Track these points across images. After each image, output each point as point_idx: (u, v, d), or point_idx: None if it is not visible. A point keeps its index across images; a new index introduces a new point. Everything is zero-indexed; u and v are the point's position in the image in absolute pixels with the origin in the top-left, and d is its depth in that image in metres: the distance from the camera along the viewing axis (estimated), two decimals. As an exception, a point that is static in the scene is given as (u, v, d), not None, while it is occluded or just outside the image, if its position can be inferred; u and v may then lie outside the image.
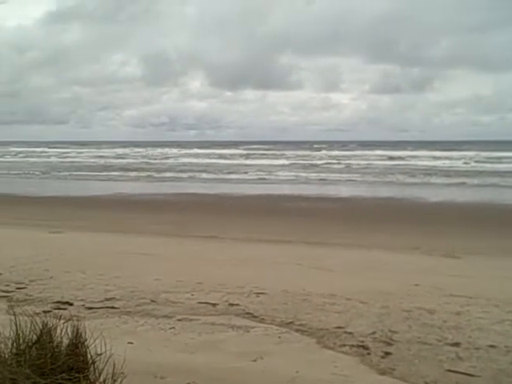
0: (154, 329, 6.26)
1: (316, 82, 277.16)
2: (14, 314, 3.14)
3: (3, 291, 7.86)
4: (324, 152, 68.84)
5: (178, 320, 6.55)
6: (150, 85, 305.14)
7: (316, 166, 47.27)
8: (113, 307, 7.08)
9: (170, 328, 6.26)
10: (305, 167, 45.08)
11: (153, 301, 7.37)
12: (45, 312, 6.11)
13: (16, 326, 3.13)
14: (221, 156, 63.00)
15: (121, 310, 6.95)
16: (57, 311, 6.40)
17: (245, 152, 70.66)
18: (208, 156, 62.54)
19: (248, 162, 53.44)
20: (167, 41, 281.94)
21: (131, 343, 5.49)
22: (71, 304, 7.12)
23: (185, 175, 37.52)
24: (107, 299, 7.45)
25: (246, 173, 39.21)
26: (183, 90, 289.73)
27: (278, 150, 74.90)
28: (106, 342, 3.51)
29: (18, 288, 8.04)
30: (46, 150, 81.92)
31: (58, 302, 7.21)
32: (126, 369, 3.25)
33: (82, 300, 7.34)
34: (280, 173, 38.52)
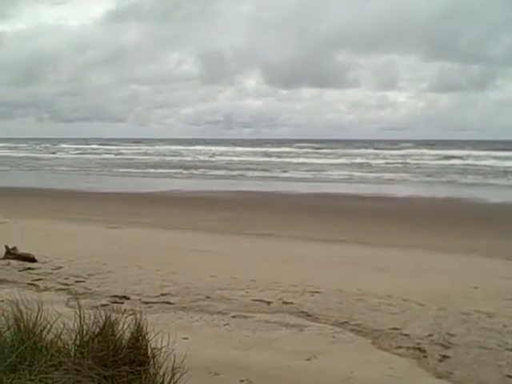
0: (209, 325, 6.32)
1: (372, 80, 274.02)
2: (79, 307, 3.22)
3: (63, 284, 8.09)
4: (379, 151, 67.82)
5: (233, 317, 6.59)
6: (206, 83, 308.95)
7: (371, 165, 46.68)
8: (168, 302, 7.18)
9: (225, 324, 6.31)
10: (360, 166, 44.55)
11: (208, 297, 7.44)
12: (102, 305, 6.26)
13: (80, 318, 3.21)
14: (275, 154, 62.97)
15: (176, 306, 7.04)
16: (114, 305, 6.51)
17: (299, 150, 70.35)
18: (263, 154, 62.63)
19: (302, 160, 53.18)
20: (223, 39, 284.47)
21: (186, 338, 5.53)
22: (128, 298, 7.24)
23: (239, 173, 37.69)
24: (163, 294, 7.56)
25: (300, 171, 39.06)
26: (239, 88, 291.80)
27: (333, 148, 74.23)
28: (162, 337, 3.57)
29: (77, 281, 8.27)
30: (105, 147, 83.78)
31: (115, 296, 7.36)
32: (183, 364, 3.29)
33: (138, 294, 7.47)
34: (334, 171, 38.19)
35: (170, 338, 3.42)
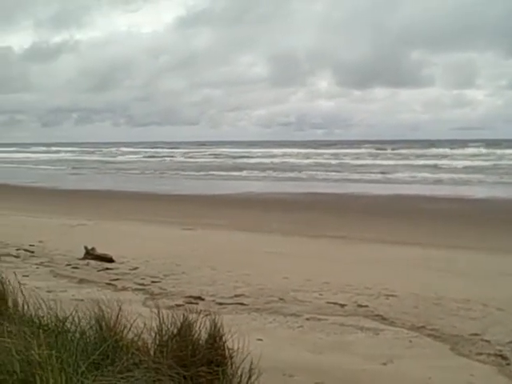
0: (283, 327, 6.32)
1: (448, 78, 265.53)
2: (158, 307, 3.29)
3: (139, 284, 8.30)
4: (455, 150, 65.92)
5: (307, 319, 6.56)
6: (278, 85, 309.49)
7: (445, 165, 45.36)
8: (242, 304, 7.23)
9: (299, 327, 6.29)
10: (435, 166, 43.39)
11: (281, 299, 7.44)
12: (177, 306, 6.38)
13: (159, 318, 3.28)
14: (347, 155, 62.30)
15: (250, 307, 7.07)
16: (189, 305, 6.61)
17: (373, 151, 69.37)
18: (334, 155, 62.05)
19: (374, 161, 52.42)
20: (295, 40, 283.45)
21: (260, 340, 5.55)
22: (202, 299, 7.34)
23: (310, 174, 37.54)
24: (236, 296, 7.62)
25: (373, 172, 38.47)
26: (311, 89, 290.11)
27: (408, 148, 72.65)
28: (237, 338, 3.59)
29: (153, 282, 8.46)
30: (177, 150, 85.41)
31: (189, 297, 7.48)
32: (258, 365, 3.30)
33: (212, 295, 7.56)
34: (408, 172, 37.39)
35: (245, 339, 3.44)
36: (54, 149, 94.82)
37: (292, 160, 56.76)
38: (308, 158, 60.27)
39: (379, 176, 35.84)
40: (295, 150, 74.89)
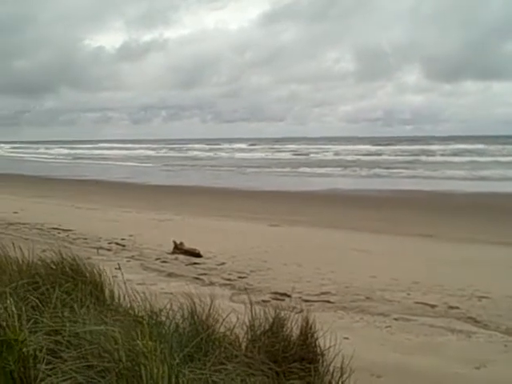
0: (370, 326, 6.24)
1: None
2: (250, 303, 3.32)
3: (226, 279, 8.43)
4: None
5: (395, 319, 6.45)
6: (365, 80, 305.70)
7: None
8: (328, 301, 7.20)
9: (386, 327, 6.19)
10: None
11: (368, 298, 7.35)
12: (264, 301, 6.42)
13: (251, 313, 3.32)
14: (437, 152, 60.39)
15: (336, 305, 7.04)
16: (275, 301, 6.64)
17: (463, 147, 66.82)
18: (423, 152, 60.24)
19: (463, 158, 50.49)
20: (382, 34, 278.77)
21: (347, 339, 5.49)
22: (288, 295, 7.34)
23: (397, 171, 36.72)
24: (323, 293, 7.59)
25: (463, 169, 36.98)
26: (398, 83, 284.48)
27: (503, 144, 69.38)
28: (324, 335, 3.57)
29: (239, 277, 8.57)
30: (262, 146, 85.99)
31: (275, 293, 7.52)
32: (347, 364, 3.27)
33: (298, 292, 7.56)
34: (504, 169, 35.72)
35: (332, 337, 3.42)
36: (143, 145, 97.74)
37: (379, 157, 55.72)
38: (395, 154, 58.99)
39: (469, 173, 34.50)
40: (381, 147, 73.45)
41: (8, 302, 2.66)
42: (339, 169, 40.46)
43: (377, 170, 38.36)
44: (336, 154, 63.01)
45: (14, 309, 2.56)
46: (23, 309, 2.68)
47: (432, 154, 57.59)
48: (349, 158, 55.14)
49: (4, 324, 2.49)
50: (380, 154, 59.52)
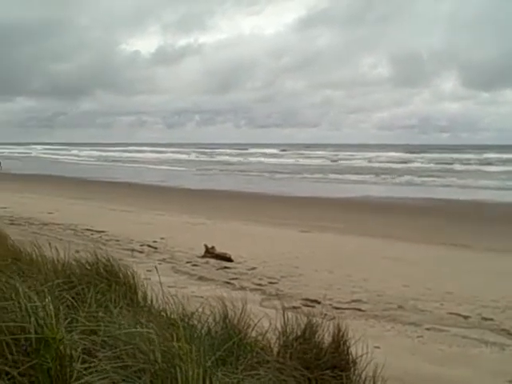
0: (401, 335, 6.18)
1: None
2: (283, 309, 3.32)
3: (257, 284, 8.44)
4: None
5: (426, 329, 6.37)
6: (400, 86, 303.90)
7: None
8: (359, 309, 7.15)
9: (418, 336, 6.13)
10: None
11: (400, 307, 7.28)
12: (294, 308, 6.40)
13: (284, 318, 3.32)
14: (473, 160, 59.53)
15: (367, 313, 6.98)
16: (305, 308, 6.62)
17: (501, 156, 65.57)
18: (459, 161, 59.30)
19: (500, 168, 49.62)
20: (419, 40, 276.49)
21: (378, 347, 5.44)
22: (319, 302, 7.32)
23: (432, 180, 36.31)
24: (354, 301, 7.55)
25: (499, 179, 36.37)
26: (435, 90, 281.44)
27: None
28: (356, 344, 3.54)
29: (270, 283, 8.57)
30: (294, 151, 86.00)
31: (306, 299, 7.51)
32: (379, 373, 3.24)
33: (329, 299, 7.52)
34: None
35: (363, 345, 3.39)
36: (174, 149, 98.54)
37: (412, 165, 55.14)
38: (429, 162, 58.34)
39: (503, 183, 33.86)
40: (415, 155, 72.68)
41: (46, 300, 2.71)
42: (371, 176, 40.20)
43: (409, 178, 37.99)
44: (369, 160, 62.59)
45: (51, 307, 2.61)
46: (60, 307, 2.73)
47: (467, 162, 56.83)
48: (382, 165, 54.71)
49: (42, 322, 2.53)
50: (413, 162, 58.91)
